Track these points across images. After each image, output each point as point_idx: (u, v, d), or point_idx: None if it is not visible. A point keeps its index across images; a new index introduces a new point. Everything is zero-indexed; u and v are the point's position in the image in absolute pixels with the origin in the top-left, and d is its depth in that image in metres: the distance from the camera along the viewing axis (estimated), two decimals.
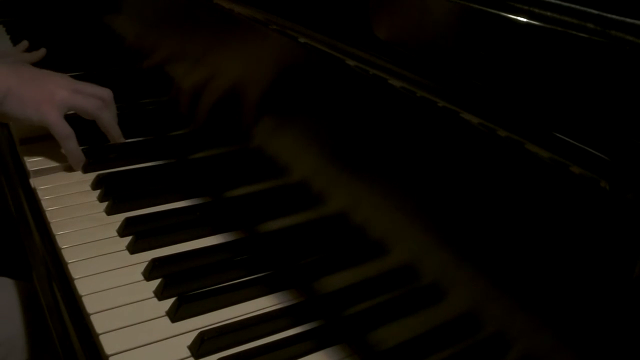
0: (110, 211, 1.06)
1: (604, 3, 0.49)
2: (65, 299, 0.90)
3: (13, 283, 1.16)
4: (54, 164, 1.19)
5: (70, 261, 0.93)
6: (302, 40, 0.84)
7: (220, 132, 1.10)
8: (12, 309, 1.12)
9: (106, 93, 1.24)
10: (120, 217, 1.03)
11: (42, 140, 1.26)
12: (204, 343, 0.79)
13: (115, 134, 1.25)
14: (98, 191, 1.11)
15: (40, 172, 1.17)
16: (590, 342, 0.52)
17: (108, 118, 1.23)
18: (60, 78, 1.20)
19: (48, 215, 1.04)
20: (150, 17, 1.38)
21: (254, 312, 0.87)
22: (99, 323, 0.82)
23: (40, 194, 1.10)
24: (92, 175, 1.16)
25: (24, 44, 1.68)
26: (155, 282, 0.90)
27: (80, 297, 0.87)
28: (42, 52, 1.64)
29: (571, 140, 0.51)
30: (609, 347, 0.50)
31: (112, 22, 1.63)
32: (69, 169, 1.19)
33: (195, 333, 0.81)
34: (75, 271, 0.91)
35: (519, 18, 0.55)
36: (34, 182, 1.14)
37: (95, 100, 1.21)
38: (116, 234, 1.01)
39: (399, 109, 0.70)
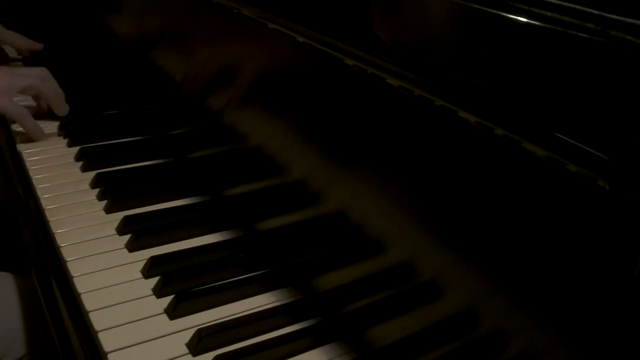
0: (109, 209, 1.06)
1: (604, 3, 0.50)
2: (64, 296, 0.90)
3: (12, 278, 1.16)
4: (53, 162, 1.20)
5: (69, 259, 0.93)
6: (300, 39, 0.85)
7: (218, 131, 1.10)
8: (12, 303, 1.12)
9: (41, 71, 1.35)
10: (119, 216, 1.03)
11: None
12: (201, 340, 0.79)
13: (58, 104, 1.37)
14: (97, 190, 1.12)
15: (40, 171, 1.17)
16: (590, 341, 0.52)
17: (49, 90, 1.34)
18: None
19: (47, 213, 1.04)
20: (150, 16, 1.38)
21: (251, 310, 0.87)
22: (97, 320, 0.83)
23: (39, 192, 1.10)
24: (91, 174, 1.16)
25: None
26: (154, 280, 0.90)
27: (79, 294, 0.87)
28: (39, 45, 1.74)
29: (571, 140, 0.51)
30: (609, 346, 0.50)
31: (111, 22, 1.63)
32: (69, 167, 1.19)
33: (193, 330, 0.81)
34: (74, 269, 0.91)
35: (519, 18, 0.56)
36: (33, 179, 1.14)
37: (33, 78, 1.32)
38: (115, 232, 1.01)
39: (396, 107, 0.70)
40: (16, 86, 1.30)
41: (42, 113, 1.39)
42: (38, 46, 1.74)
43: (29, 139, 1.28)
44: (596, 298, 0.51)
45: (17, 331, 1.10)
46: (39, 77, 1.34)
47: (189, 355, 0.79)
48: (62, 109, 1.38)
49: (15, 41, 1.74)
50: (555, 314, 0.54)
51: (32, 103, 1.39)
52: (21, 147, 1.25)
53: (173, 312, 0.84)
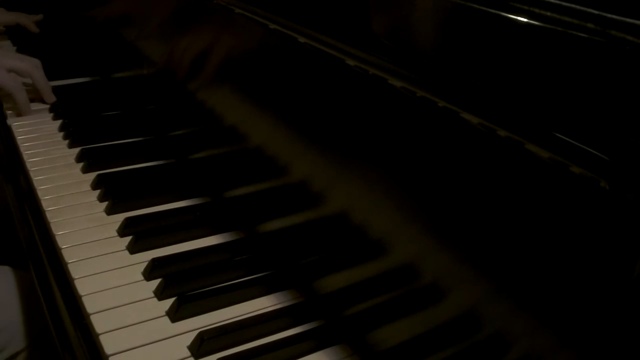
0: (110, 211, 1.06)
1: (604, 3, 0.49)
2: (65, 298, 0.90)
3: (12, 272, 1.16)
4: (54, 164, 1.20)
5: (70, 261, 0.93)
6: (302, 40, 0.84)
7: (219, 132, 1.10)
8: (12, 297, 1.12)
9: (35, 60, 1.49)
10: (120, 217, 1.03)
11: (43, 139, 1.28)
12: (203, 343, 0.79)
13: (48, 92, 1.49)
14: (98, 191, 1.12)
15: (41, 172, 1.17)
16: (590, 342, 0.52)
17: (40, 77, 1.47)
18: None
19: (48, 215, 1.04)
20: (151, 16, 1.38)
21: (253, 312, 0.87)
22: (98, 323, 0.82)
23: (40, 193, 1.10)
24: (92, 175, 1.16)
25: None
26: (155, 282, 0.90)
27: (80, 297, 0.87)
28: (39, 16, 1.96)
29: (571, 140, 0.51)
30: (609, 347, 0.50)
31: (112, 24, 1.63)
32: (70, 168, 1.19)
33: (195, 333, 0.81)
34: (75, 271, 0.91)
35: (519, 18, 0.55)
36: (34, 180, 1.14)
37: (27, 61, 1.46)
38: (116, 234, 1.01)
39: (399, 109, 0.70)
40: (12, 65, 1.41)
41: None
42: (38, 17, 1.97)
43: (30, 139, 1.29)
44: (596, 298, 0.51)
45: (16, 324, 1.10)
46: (32, 62, 1.47)
47: (191, 358, 0.79)
48: (51, 96, 1.49)
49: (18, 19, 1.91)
50: (555, 314, 0.54)
51: None
52: (22, 148, 1.25)
53: (175, 315, 0.84)
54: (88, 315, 0.84)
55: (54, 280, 0.94)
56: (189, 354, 0.80)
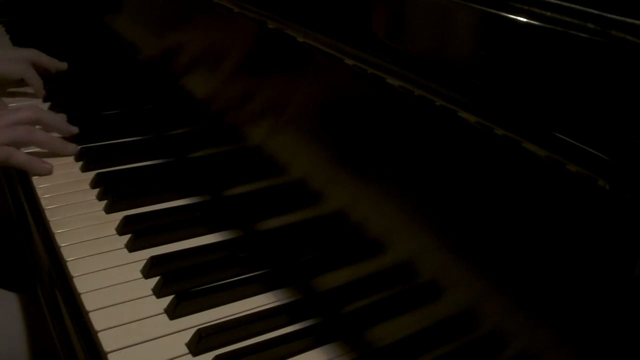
0: (109, 209, 1.06)
1: (604, 3, 0.50)
2: (64, 296, 0.90)
3: (15, 296, 1.15)
4: (53, 162, 1.20)
5: (69, 259, 0.93)
6: (300, 39, 0.85)
7: (218, 131, 1.10)
8: (15, 322, 1.12)
9: (28, 113, 1.19)
10: (119, 216, 1.03)
11: None
12: (201, 340, 0.79)
13: (65, 128, 1.26)
14: (97, 189, 1.11)
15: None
16: (590, 341, 0.52)
17: (41, 137, 1.20)
18: None
19: (47, 213, 1.04)
20: (151, 16, 1.38)
21: (251, 310, 0.87)
22: (97, 320, 0.82)
23: (39, 192, 1.10)
24: (91, 174, 1.16)
25: None
26: (154, 280, 0.90)
27: (79, 294, 0.87)
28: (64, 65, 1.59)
29: (571, 140, 0.51)
30: (609, 347, 0.50)
31: (111, 22, 1.63)
32: (69, 167, 1.19)
33: (193, 330, 0.81)
34: (74, 269, 0.91)
35: (519, 18, 0.56)
36: (33, 179, 1.14)
37: (21, 127, 1.17)
38: (115, 232, 1.01)
39: (397, 107, 0.70)
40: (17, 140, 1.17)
41: None
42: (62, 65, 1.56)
43: None
44: (596, 298, 0.51)
45: (19, 351, 1.09)
46: (28, 129, 1.18)
47: (189, 355, 0.79)
48: (69, 129, 1.27)
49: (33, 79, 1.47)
50: (555, 314, 0.54)
51: None
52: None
53: (173, 312, 0.84)
54: (87, 312, 0.84)
55: (54, 276, 0.94)
56: (186, 351, 0.80)
